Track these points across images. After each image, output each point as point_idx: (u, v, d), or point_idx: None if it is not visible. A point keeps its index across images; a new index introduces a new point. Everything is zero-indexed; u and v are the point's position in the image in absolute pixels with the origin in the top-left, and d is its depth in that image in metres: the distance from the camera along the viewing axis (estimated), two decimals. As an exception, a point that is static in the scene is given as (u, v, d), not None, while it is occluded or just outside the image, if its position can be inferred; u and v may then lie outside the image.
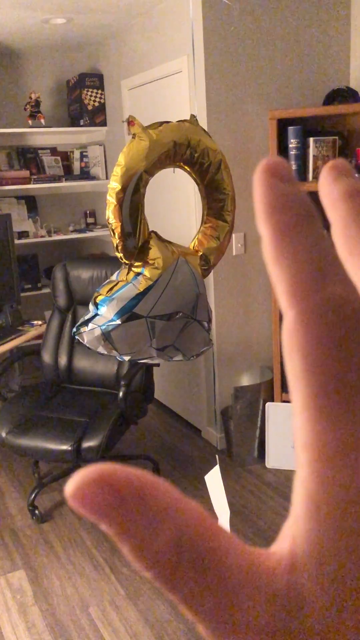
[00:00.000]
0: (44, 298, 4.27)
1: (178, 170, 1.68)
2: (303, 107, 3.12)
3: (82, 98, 4.03)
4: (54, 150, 4.28)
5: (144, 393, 2.92)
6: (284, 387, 3.13)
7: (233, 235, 2.68)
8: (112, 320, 1.52)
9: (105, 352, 1.57)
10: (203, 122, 2.92)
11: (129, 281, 1.55)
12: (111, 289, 1.57)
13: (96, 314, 1.56)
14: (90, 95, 4.05)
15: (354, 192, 0.19)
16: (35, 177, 3.99)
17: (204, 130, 1.65)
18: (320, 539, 0.16)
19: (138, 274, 1.55)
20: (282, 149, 2.89)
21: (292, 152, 2.86)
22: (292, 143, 2.85)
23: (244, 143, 3.05)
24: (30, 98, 3.92)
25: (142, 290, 1.53)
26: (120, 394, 2.63)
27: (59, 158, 4.26)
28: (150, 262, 1.56)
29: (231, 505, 2.67)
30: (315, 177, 2.87)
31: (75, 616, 2.22)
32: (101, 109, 4.11)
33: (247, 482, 3.02)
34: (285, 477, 3.04)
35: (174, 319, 1.57)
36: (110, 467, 0.16)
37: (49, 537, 2.68)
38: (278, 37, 3.03)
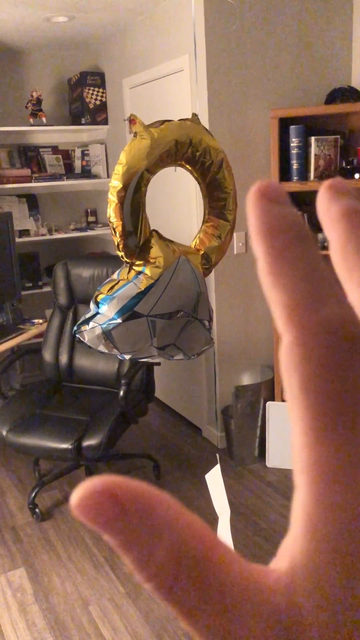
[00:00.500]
0: (44, 296, 4.27)
1: (179, 169, 1.67)
2: (305, 106, 3.12)
3: (84, 96, 4.03)
4: (55, 149, 4.28)
5: (144, 392, 2.92)
6: (285, 387, 3.12)
7: (234, 234, 2.67)
8: (113, 318, 1.52)
9: (106, 351, 1.57)
10: (205, 121, 2.92)
11: (130, 280, 1.55)
12: (112, 287, 1.57)
13: (97, 313, 1.55)
14: (92, 94, 4.05)
15: (351, 212, 0.19)
16: (36, 175, 3.99)
17: (206, 129, 1.64)
18: (319, 560, 0.16)
19: (139, 272, 1.55)
20: (284, 148, 2.88)
21: (294, 151, 2.85)
22: (294, 142, 2.84)
23: (246, 142, 3.04)
24: (32, 96, 3.91)
25: (143, 289, 1.53)
26: (121, 392, 2.63)
27: (60, 156, 4.25)
28: (152, 260, 1.55)
29: (232, 504, 2.67)
30: (317, 176, 2.87)
31: (75, 614, 2.22)
32: (102, 107, 4.11)
33: (248, 481, 3.02)
34: (286, 476, 3.04)
35: (175, 317, 1.57)
36: (114, 479, 0.16)
37: (49, 535, 2.69)
38: (280, 36, 3.02)
